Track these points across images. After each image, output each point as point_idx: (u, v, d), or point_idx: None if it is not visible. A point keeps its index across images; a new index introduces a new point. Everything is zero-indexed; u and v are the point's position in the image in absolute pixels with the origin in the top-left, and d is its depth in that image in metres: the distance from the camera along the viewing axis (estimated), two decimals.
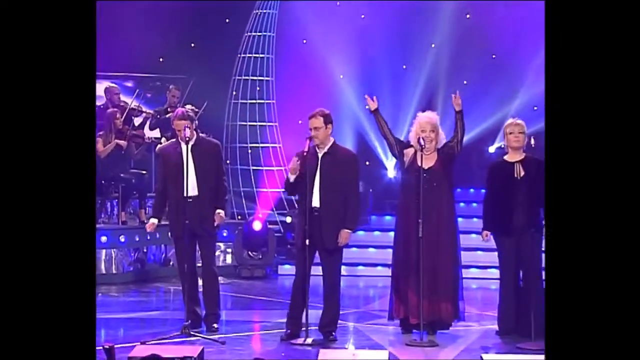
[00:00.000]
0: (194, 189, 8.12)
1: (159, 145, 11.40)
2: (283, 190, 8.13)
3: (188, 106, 8.56)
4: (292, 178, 7.80)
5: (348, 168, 7.88)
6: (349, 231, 7.80)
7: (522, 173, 7.94)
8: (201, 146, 8.23)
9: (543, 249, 8.09)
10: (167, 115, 11.54)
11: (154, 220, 8.33)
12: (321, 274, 7.92)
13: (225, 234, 11.59)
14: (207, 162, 8.22)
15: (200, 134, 8.38)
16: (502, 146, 13.12)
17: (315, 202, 7.71)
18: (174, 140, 8.43)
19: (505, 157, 8.13)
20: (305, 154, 7.71)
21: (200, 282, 8.40)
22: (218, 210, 8.27)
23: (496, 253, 8.24)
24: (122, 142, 11.19)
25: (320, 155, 7.77)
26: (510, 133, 8.06)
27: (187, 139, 7.99)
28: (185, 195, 7.89)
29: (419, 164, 7.77)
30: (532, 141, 8.28)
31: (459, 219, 8.27)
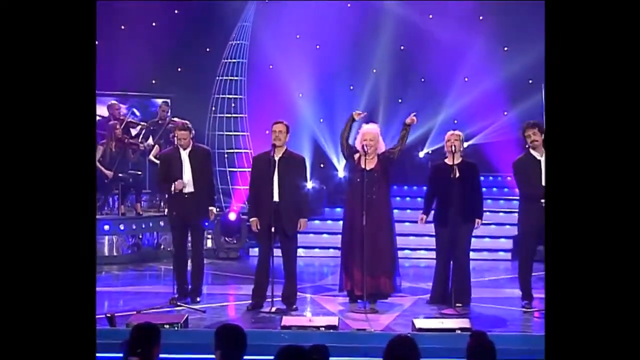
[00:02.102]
0: (190, 186, 8.11)
1: (153, 150, 11.44)
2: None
3: (176, 118, 8.53)
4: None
5: (299, 169, 7.92)
6: (305, 220, 7.88)
7: (458, 174, 7.93)
8: (196, 152, 8.23)
9: (472, 234, 8.14)
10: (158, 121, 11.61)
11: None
12: (280, 255, 7.93)
13: (207, 223, 11.53)
14: (201, 165, 8.22)
15: (195, 142, 8.37)
16: (430, 152, 13.25)
17: (275, 197, 7.75)
18: (172, 147, 8.46)
19: (446, 160, 8.13)
20: (271, 158, 7.75)
21: (189, 262, 8.38)
22: (211, 208, 8.26)
23: (425, 238, 8.28)
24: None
25: (277, 159, 7.79)
26: (448, 140, 8.08)
27: (180, 146, 8.07)
28: (182, 192, 7.95)
29: (363, 165, 7.82)
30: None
31: (395, 211, 8.31)
